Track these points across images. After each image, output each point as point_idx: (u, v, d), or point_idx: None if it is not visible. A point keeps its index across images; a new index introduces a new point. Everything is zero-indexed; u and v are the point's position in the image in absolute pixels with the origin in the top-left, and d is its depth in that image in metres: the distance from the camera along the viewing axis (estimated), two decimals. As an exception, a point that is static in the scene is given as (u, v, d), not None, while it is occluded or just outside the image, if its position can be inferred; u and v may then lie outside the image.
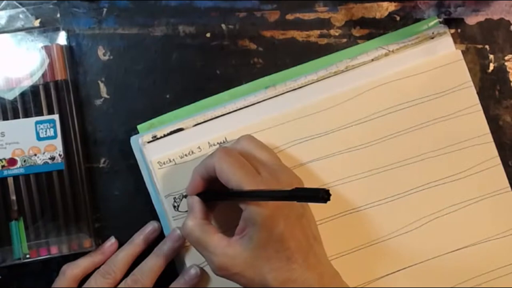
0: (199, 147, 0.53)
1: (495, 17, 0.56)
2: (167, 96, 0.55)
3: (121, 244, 0.54)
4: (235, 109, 0.53)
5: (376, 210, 0.54)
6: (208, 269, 0.53)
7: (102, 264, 0.53)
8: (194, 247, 0.48)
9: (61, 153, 0.53)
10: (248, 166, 0.46)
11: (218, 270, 0.46)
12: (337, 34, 0.56)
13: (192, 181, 0.49)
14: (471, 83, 0.55)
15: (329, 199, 0.37)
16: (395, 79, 0.54)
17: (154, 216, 0.54)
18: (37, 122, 0.53)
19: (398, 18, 0.56)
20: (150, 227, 0.54)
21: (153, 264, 0.52)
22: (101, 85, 0.55)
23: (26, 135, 0.53)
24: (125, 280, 0.52)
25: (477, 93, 0.55)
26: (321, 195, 0.37)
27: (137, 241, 0.53)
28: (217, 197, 0.49)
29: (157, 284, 0.52)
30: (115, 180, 0.55)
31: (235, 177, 0.45)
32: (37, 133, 0.53)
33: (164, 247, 0.52)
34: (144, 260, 0.52)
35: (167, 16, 0.56)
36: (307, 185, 0.53)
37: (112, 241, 0.54)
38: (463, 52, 0.55)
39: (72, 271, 0.52)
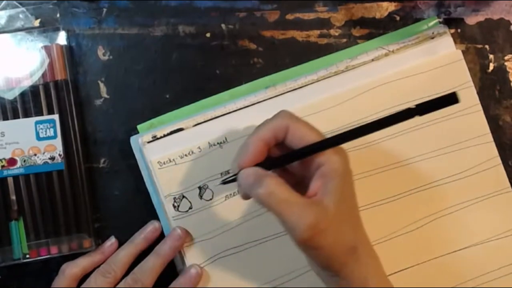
0: (199, 147, 0.53)
1: (495, 17, 0.56)
2: (167, 96, 0.55)
3: (121, 244, 0.54)
4: (235, 109, 0.53)
5: (376, 211, 0.54)
6: (209, 268, 0.53)
7: (102, 263, 0.53)
8: (273, 211, 0.42)
9: (61, 153, 0.53)
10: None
11: (308, 229, 0.40)
12: (337, 34, 0.56)
13: (251, 151, 0.44)
14: (471, 83, 0.55)
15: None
16: (395, 79, 0.54)
17: (154, 216, 0.54)
18: (37, 122, 0.53)
19: (398, 18, 0.56)
20: (150, 227, 0.54)
21: (154, 263, 0.52)
22: (101, 85, 0.55)
23: (26, 135, 0.53)
24: (125, 279, 0.52)
25: (477, 93, 0.55)
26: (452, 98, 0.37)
27: (138, 240, 0.53)
28: (285, 160, 0.44)
29: (157, 283, 0.52)
30: (115, 180, 0.55)
31: (313, 130, 0.43)
32: (37, 133, 0.53)
33: (165, 246, 0.52)
34: (145, 259, 0.52)
35: (167, 16, 0.56)
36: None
37: (112, 241, 0.54)
38: (463, 52, 0.55)
39: (71, 270, 0.52)
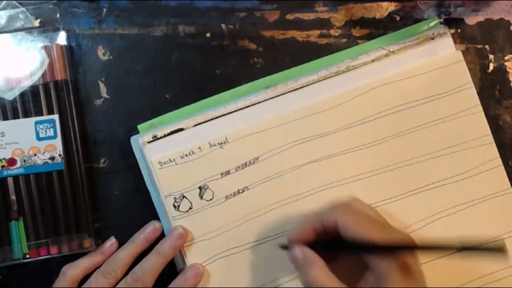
0: (199, 147, 0.53)
1: (495, 17, 0.56)
2: (167, 96, 0.55)
3: (121, 244, 0.54)
4: (236, 109, 0.53)
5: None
6: (209, 268, 0.53)
7: (102, 264, 0.53)
8: None
9: (61, 153, 0.53)
10: (374, 219, 0.47)
11: None
12: (337, 34, 0.56)
13: (301, 231, 0.48)
14: (472, 84, 0.54)
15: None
16: (396, 80, 0.54)
17: (154, 216, 0.54)
18: (37, 122, 0.53)
19: (398, 18, 0.56)
20: (150, 227, 0.54)
21: (154, 262, 0.52)
22: (101, 85, 0.55)
23: (26, 135, 0.53)
24: (125, 279, 0.51)
25: (477, 93, 0.55)
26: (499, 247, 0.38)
27: (138, 240, 0.53)
28: (334, 247, 0.47)
29: (157, 283, 0.52)
30: (115, 180, 0.55)
31: (364, 230, 0.44)
32: (37, 133, 0.53)
33: (165, 245, 0.52)
34: (145, 258, 0.52)
35: (167, 16, 0.56)
36: (306, 185, 0.53)
37: (112, 241, 0.54)
38: (463, 52, 0.55)
39: (72, 271, 0.52)
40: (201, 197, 0.53)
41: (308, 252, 0.46)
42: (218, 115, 0.53)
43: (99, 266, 0.52)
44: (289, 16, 0.56)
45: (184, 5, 0.56)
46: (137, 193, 0.55)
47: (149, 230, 0.53)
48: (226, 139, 0.53)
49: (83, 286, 0.52)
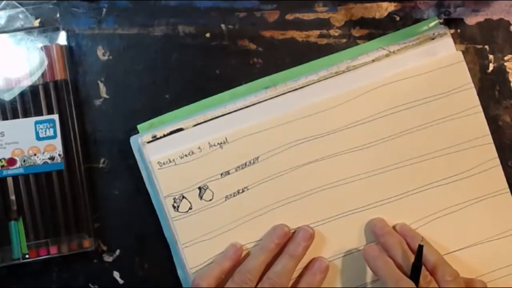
0: (199, 147, 0.53)
1: (495, 17, 0.56)
2: (167, 96, 0.55)
3: (123, 244, 0.54)
4: (236, 109, 0.53)
5: (376, 211, 0.54)
6: None
7: (233, 271, 0.51)
8: None
9: (61, 153, 0.53)
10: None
11: None
12: (336, 34, 0.56)
13: None
14: (472, 85, 0.54)
15: None
16: (396, 80, 0.54)
17: (154, 216, 0.54)
18: (36, 122, 0.53)
19: (397, 18, 0.56)
20: (281, 232, 0.52)
21: (289, 265, 0.51)
22: (101, 85, 0.55)
23: (25, 135, 0.53)
24: (262, 283, 0.50)
25: (477, 93, 0.55)
26: None
27: (270, 246, 0.52)
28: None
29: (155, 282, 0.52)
30: (114, 180, 0.55)
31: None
32: (37, 133, 0.53)
33: (298, 247, 0.52)
34: (276, 261, 0.51)
35: (167, 16, 0.56)
36: (306, 185, 0.53)
37: (237, 246, 0.53)
38: (463, 52, 0.55)
39: (206, 283, 0.50)
40: (201, 198, 0.53)
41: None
42: (218, 115, 0.53)
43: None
44: (289, 16, 0.56)
45: (184, 5, 0.56)
46: (136, 193, 0.55)
47: (280, 235, 0.52)
48: (226, 139, 0.53)
49: None
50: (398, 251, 0.50)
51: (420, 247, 0.49)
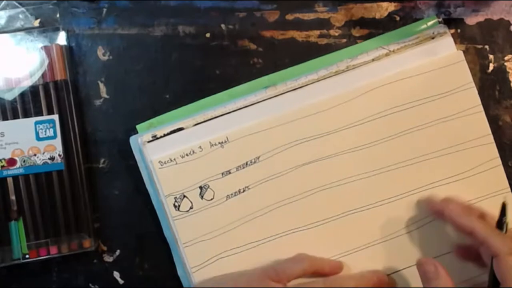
0: (200, 147, 0.53)
1: (495, 17, 0.56)
2: (167, 96, 0.55)
3: (123, 244, 0.54)
4: (236, 108, 0.53)
5: (377, 211, 0.54)
6: (209, 268, 0.52)
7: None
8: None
9: (61, 153, 0.53)
10: None
11: None
12: (336, 34, 0.56)
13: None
14: (473, 84, 0.54)
15: None
16: (396, 79, 0.54)
17: (154, 216, 0.54)
18: (36, 122, 0.53)
19: (398, 18, 0.56)
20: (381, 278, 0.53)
21: None
22: (101, 85, 0.55)
23: (25, 135, 0.53)
24: None
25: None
26: None
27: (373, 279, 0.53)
28: None
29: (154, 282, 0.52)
30: (114, 180, 0.55)
31: None
32: (37, 133, 0.53)
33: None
34: None
35: (167, 16, 0.56)
36: (307, 185, 0.53)
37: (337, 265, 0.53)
38: (463, 52, 0.55)
39: None
40: (202, 197, 0.53)
41: (438, 265, 0.48)
42: (217, 115, 0.53)
43: None
44: (289, 16, 0.56)
45: (184, 5, 0.56)
46: (137, 193, 0.55)
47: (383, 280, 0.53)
48: (227, 138, 0.53)
49: None
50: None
51: (504, 205, 0.50)
